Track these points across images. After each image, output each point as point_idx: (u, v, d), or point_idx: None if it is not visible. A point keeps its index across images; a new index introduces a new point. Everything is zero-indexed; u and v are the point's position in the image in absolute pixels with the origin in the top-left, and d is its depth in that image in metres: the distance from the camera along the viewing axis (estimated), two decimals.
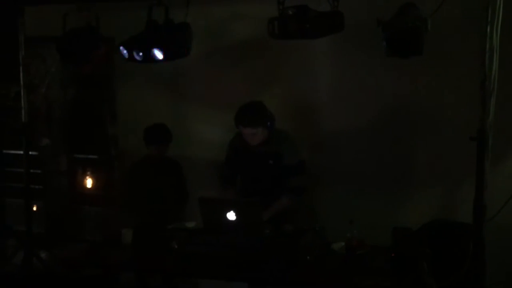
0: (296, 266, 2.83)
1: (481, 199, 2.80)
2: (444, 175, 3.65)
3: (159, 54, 3.28)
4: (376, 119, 3.79)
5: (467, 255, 2.83)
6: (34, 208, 4.49)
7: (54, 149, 5.00)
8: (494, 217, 2.88)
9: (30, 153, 4.22)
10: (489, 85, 2.63)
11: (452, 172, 3.62)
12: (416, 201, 3.69)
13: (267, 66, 3.98)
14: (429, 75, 3.59)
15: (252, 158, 3.41)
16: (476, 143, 2.81)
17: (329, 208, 3.83)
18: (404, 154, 3.75)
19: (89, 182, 4.97)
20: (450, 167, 3.61)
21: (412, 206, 3.66)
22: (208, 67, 4.07)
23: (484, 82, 2.65)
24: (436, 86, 3.62)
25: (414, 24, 2.80)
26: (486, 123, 2.73)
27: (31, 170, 4.27)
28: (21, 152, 4.25)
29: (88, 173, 4.98)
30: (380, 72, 3.66)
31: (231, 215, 3.03)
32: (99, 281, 3.36)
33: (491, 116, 2.70)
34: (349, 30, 3.04)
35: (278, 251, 2.93)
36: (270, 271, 2.81)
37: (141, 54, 3.30)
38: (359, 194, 3.79)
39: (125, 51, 3.36)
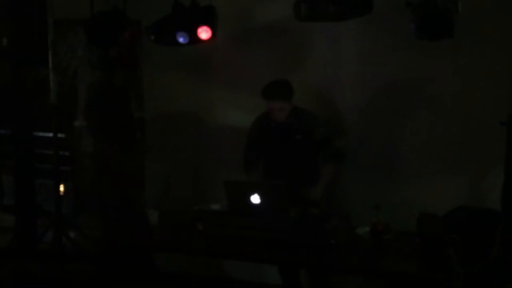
0: (321, 250, 2.83)
1: (510, 185, 2.77)
2: (473, 161, 3.59)
3: (184, 38, 3.28)
4: (404, 103, 3.73)
5: (495, 242, 2.80)
6: (62, 189, 4.59)
7: (82, 131, 5.08)
8: None
9: (58, 135, 4.31)
10: None
11: (481, 158, 3.55)
12: (443, 187, 3.63)
13: (293, 49, 3.94)
14: (458, 59, 3.51)
15: (280, 135, 3.44)
16: (506, 128, 2.77)
17: (354, 193, 3.81)
18: (431, 138, 3.69)
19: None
20: (479, 152, 3.55)
21: (439, 192, 3.61)
22: (234, 51, 4.05)
23: None
24: (465, 70, 3.53)
25: (445, 6, 2.74)
26: None
27: (60, 152, 4.36)
28: (50, 134, 4.34)
29: (115, 155, 5.05)
30: (408, 55, 3.60)
31: (256, 198, 3.05)
32: (126, 261, 3.43)
33: None
34: (376, 11, 2.99)
35: (303, 235, 2.94)
36: (297, 254, 2.82)
37: (166, 37, 3.32)
38: (385, 179, 3.76)
39: (151, 35, 3.37)
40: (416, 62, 3.61)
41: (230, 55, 4.06)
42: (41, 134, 4.96)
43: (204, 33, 3.29)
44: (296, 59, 3.90)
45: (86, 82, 4.99)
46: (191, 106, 4.26)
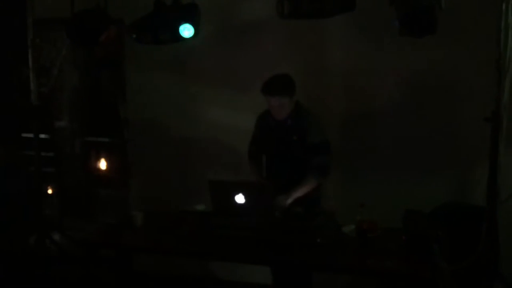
0: (307, 249, 2.81)
1: (495, 181, 2.77)
2: (458, 157, 3.60)
3: (167, 36, 3.25)
4: (388, 101, 3.73)
5: (480, 238, 2.80)
6: (50, 191, 4.53)
7: (67, 132, 5.03)
8: (508, 200, 2.84)
9: (43, 136, 4.26)
10: (503, 64, 2.58)
11: (466, 154, 3.55)
12: (428, 183, 3.63)
13: (277, 46, 3.92)
14: (443, 55, 3.51)
15: (278, 134, 3.33)
16: (490, 124, 2.77)
17: (340, 191, 3.80)
18: (416, 135, 3.68)
19: (102, 165, 5.00)
20: (464, 149, 3.55)
21: (424, 189, 3.61)
22: (217, 48, 4.03)
23: (499, 61, 2.60)
24: (449, 66, 3.54)
25: (429, 2, 2.73)
26: (501, 104, 2.68)
27: (45, 153, 4.31)
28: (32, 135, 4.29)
29: (101, 156, 5.01)
30: (392, 52, 3.59)
31: (241, 198, 3.02)
32: (112, 263, 3.39)
33: (506, 96, 2.65)
34: (360, 9, 2.97)
35: (289, 234, 2.92)
36: (282, 253, 2.80)
37: (149, 35, 3.28)
38: (370, 176, 3.75)
39: (133, 33, 3.33)
40: (400, 59, 3.61)
41: (213, 53, 4.04)
42: (24, 135, 4.90)
43: (186, 31, 3.25)
44: (280, 57, 3.88)
45: (71, 82, 4.94)
46: (175, 105, 4.22)
